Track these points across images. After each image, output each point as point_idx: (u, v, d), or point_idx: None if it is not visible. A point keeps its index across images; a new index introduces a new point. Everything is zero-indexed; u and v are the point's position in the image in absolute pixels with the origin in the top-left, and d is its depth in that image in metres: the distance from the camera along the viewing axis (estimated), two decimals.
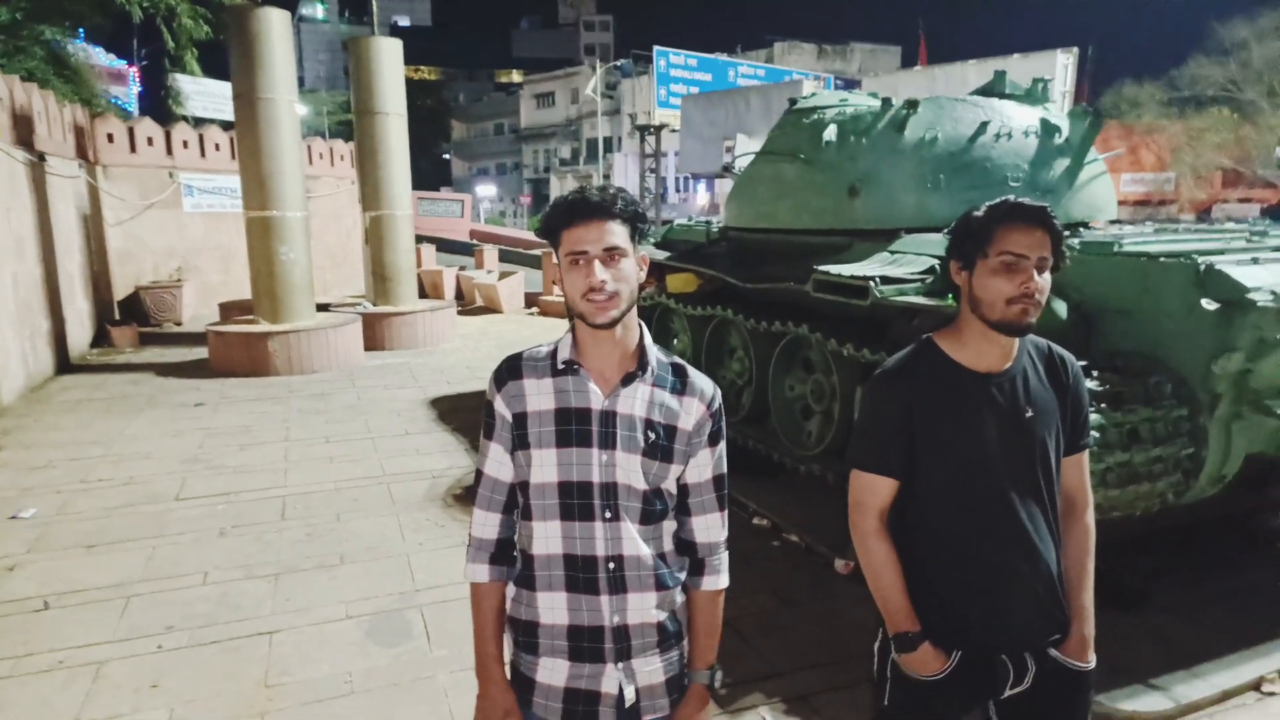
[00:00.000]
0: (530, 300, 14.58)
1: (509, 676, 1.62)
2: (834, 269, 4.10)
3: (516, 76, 68.37)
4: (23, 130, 8.87)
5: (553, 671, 1.54)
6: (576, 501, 1.50)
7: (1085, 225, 4.89)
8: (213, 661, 3.34)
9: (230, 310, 11.18)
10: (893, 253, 4.36)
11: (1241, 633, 3.41)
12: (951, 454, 1.66)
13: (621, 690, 1.53)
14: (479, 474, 1.61)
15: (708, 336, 5.61)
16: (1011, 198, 1.60)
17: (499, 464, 1.57)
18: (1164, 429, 3.10)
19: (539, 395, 1.52)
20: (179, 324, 12.58)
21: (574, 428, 1.50)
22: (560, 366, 1.53)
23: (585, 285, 1.43)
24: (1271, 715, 2.98)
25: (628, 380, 1.51)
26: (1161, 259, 3.25)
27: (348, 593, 3.93)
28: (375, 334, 10.48)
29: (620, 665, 1.53)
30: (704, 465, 1.58)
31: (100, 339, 11.00)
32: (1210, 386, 3.09)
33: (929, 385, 1.68)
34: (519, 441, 1.53)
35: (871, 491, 1.71)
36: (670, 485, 1.56)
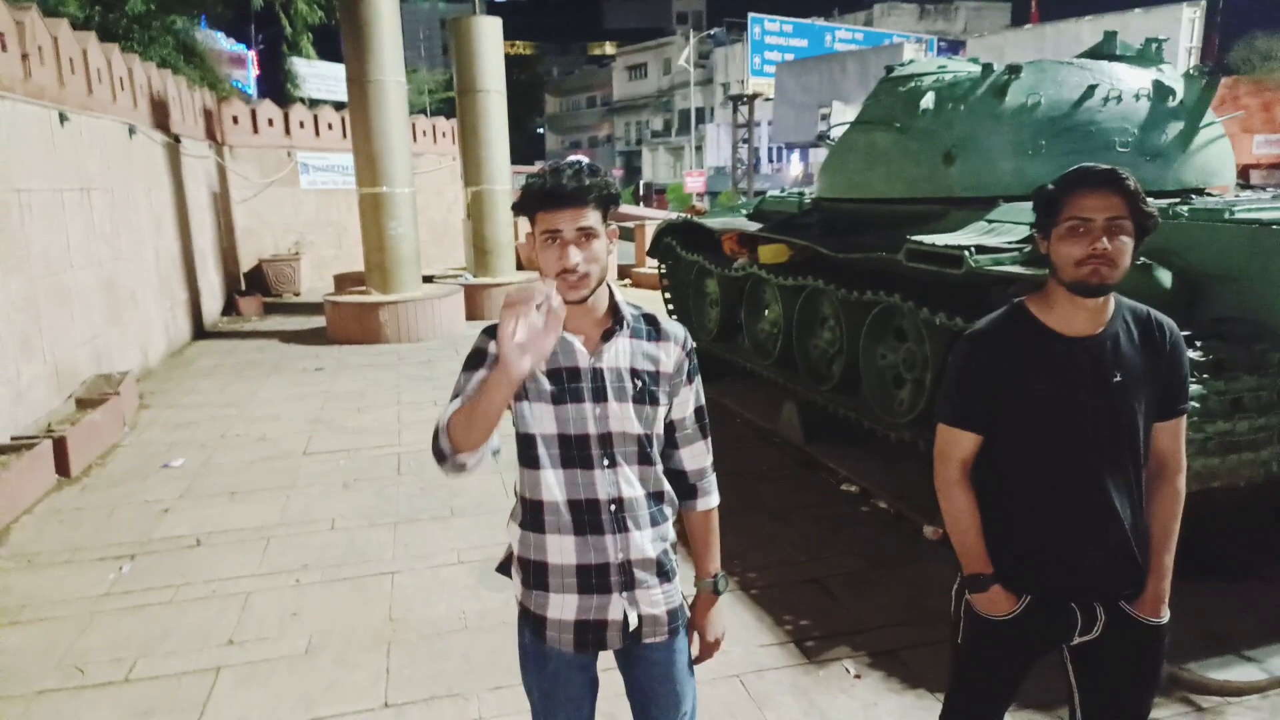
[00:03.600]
0: (623, 272, 14.81)
1: (519, 615, 1.74)
2: (928, 239, 4.11)
3: (609, 48, 68.40)
4: (159, 115, 9.60)
5: (563, 607, 1.67)
6: (576, 452, 1.63)
7: (1200, 191, 4.71)
8: (343, 597, 3.71)
9: (344, 282, 11.85)
10: (990, 221, 4.33)
11: None
12: (1034, 413, 1.73)
13: (626, 616, 1.67)
14: (454, 395, 1.60)
15: (799, 306, 5.68)
16: (1092, 164, 1.64)
17: (474, 382, 1.58)
18: (1269, 397, 3.04)
19: None
20: (297, 294, 13.40)
21: (566, 385, 1.62)
22: None
23: (559, 266, 1.54)
24: None
25: (607, 336, 1.64)
26: (1273, 226, 3.16)
27: (459, 542, 4.26)
28: (476, 304, 10.93)
29: (625, 595, 1.67)
30: (685, 401, 1.74)
31: (229, 308, 11.87)
32: None
33: (1016, 347, 1.75)
34: (518, 394, 1.60)
35: (955, 444, 1.81)
36: (659, 427, 1.70)
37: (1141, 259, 3.32)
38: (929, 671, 3.02)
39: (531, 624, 1.72)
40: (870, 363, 4.98)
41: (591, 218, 1.55)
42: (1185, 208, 3.56)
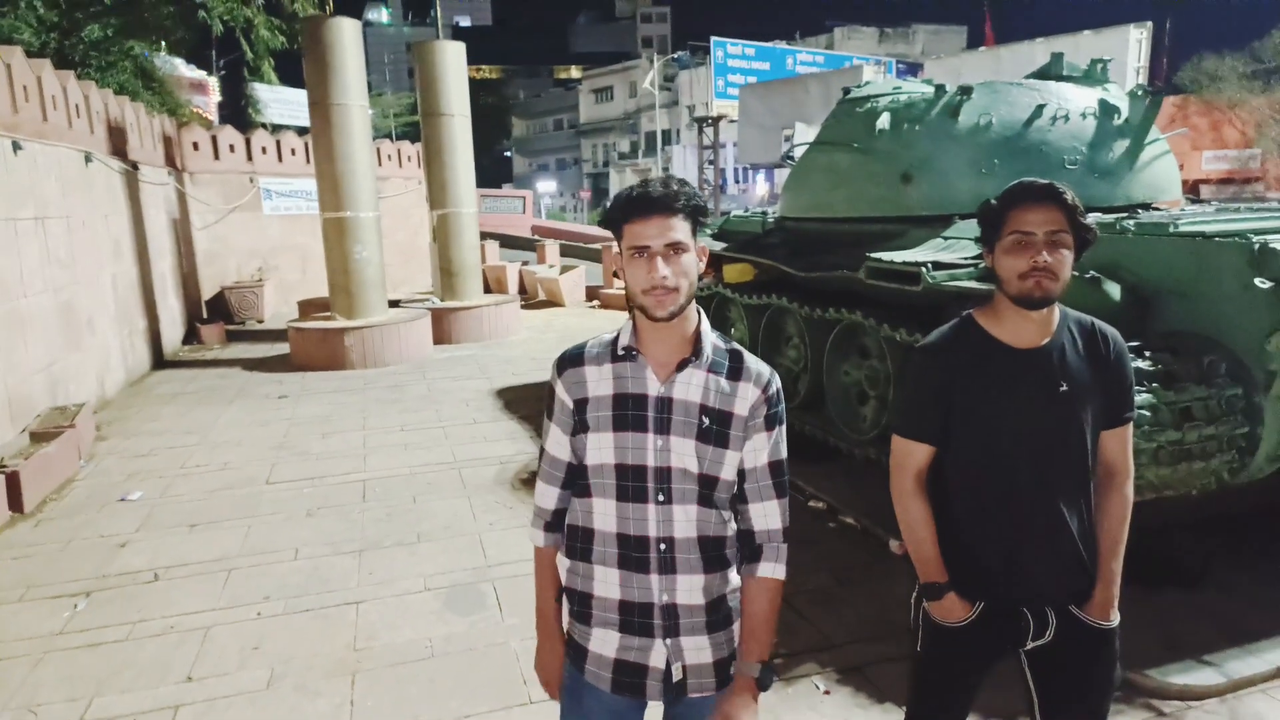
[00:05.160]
0: (591, 294, 14.84)
1: (565, 643, 1.74)
2: (887, 256, 4.19)
3: (575, 72, 68.90)
4: (117, 141, 9.47)
5: (604, 642, 1.62)
6: (631, 484, 1.56)
7: (1147, 206, 4.85)
8: (307, 627, 3.64)
9: (308, 308, 11.72)
10: (946, 238, 4.42)
11: None
12: (983, 423, 1.77)
13: (669, 665, 1.59)
14: (542, 450, 1.72)
15: (764, 325, 5.73)
16: (1034, 179, 1.70)
17: (558, 444, 1.66)
18: (1217, 407, 3.12)
19: (599, 381, 1.59)
20: (261, 321, 13.22)
21: (630, 413, 1.56)
22: (620, 353, 1.59)
23: (647, 281, 1.48)
24: None
25: (682, 366, 1.56)
26: (1216, 238, 3.26)
27: (426, 567, 4.20)
28: (443, 328, 10.87)
29: (668, 641, 1.59)
30: (759, 450, 1.59)
31: (190, 336, 11.67)
32: (1265, 365, 3.09)
33: (967, 359, 1.79)
34: (579, 426, 1.60)
35: (909, 455, 1.85)
36: (730, 473, 1.58)
37: (1091, 273, 3.40)
38: (896, 686, 3.03)
39: (573, 654, 1.69)
40: (835, 380, 5.03)
41: (680, 229, 1.49)
42: (1132, 222, 3.66)
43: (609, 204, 1.57)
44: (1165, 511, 3.36)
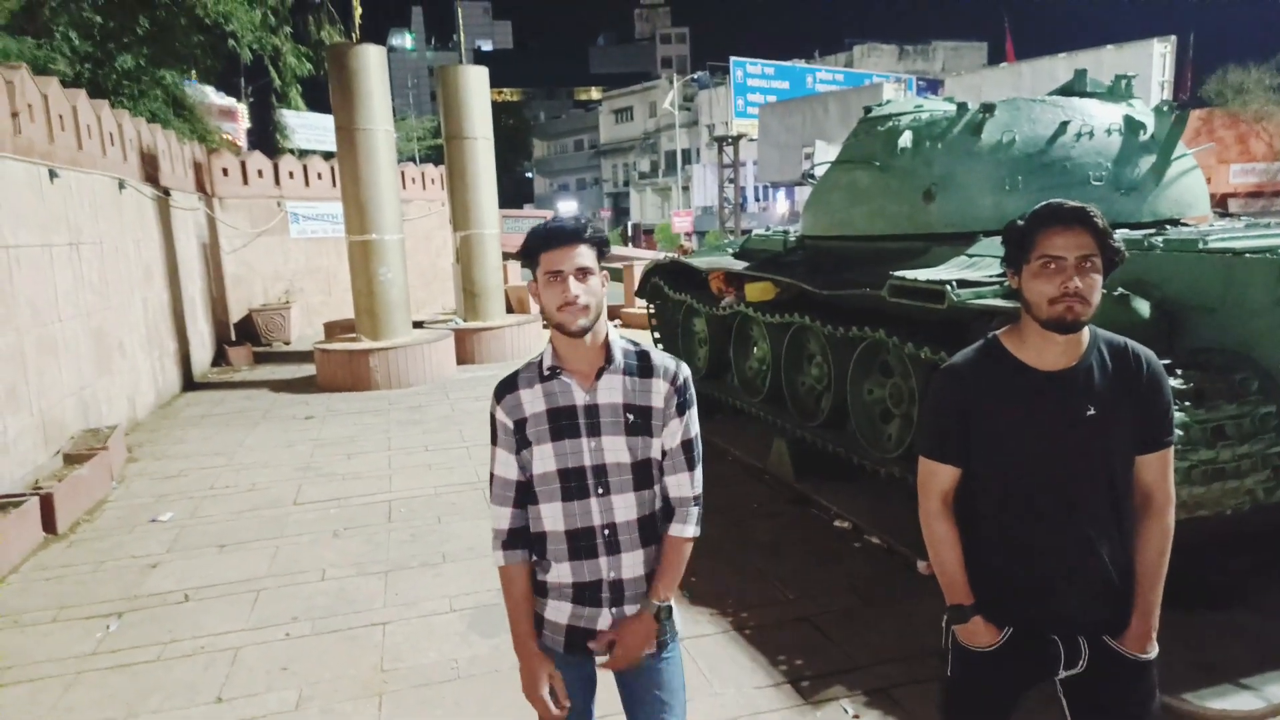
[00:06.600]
0: (613, 312, 14.89)
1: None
2: (910, 274, 4.17)
3: (595, 93, 69.63)
4: (149, 168, 9.69)
5: (558, 611, 1.84)
6: (573, 484, 1.78)
7: (1175, 222, 4.80)
8: (334, 648, 3.66)
9: (334, 329, 11.86)
10: (970, 256, 4.40)
11: None
12: (1007, 447, 1.75)
13: (614, 626, 1.83)
14: (492, 475, 1.87)
15: (786, 343, 5.72)
16: (1062, 201, 1.67)
17: (505, 465, 1.84)
18: (1250, 425, 3.07)
19: (533, 400, 1.80)
20: (288, 343, 13.40)
21: (563, 423, 1.78)
22: (546, 373, 1.81)
23: (561, 299, 1.70)
24: None
25: (600, 374, 1.78)
26: (1246, 255, 3.22)
27: (450, 588, 4.22)
28: (466, 348, 10.95)
29: (614, 609, 1.83)
30: (674, 433, 1.83)
31: (219, 358, 11.84)
32: None
33: (990, 381, 1.76)
34: (521, 443, 1.80)
35: (934, 476, 1.83)
36: (657, 454, 1.83)
37: (1119, 289, 3.37)
38: (924, 709, 3.00)
39: (536, 623, 1.88)
40: (858, 398, 5.01)
41: (587, 255, 1.72)
42: (1160, 239, 3.63)
43: (527, 236, 1.76)
44: (1198, 531, 3.30)
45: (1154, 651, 1.76)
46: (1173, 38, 16.73)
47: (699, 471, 1.88)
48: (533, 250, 1.75)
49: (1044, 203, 1.69)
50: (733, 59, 26.27)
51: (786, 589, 4.03)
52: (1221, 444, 3.04)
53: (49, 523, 5.09)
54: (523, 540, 1.86)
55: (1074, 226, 1.63)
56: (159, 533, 5.18)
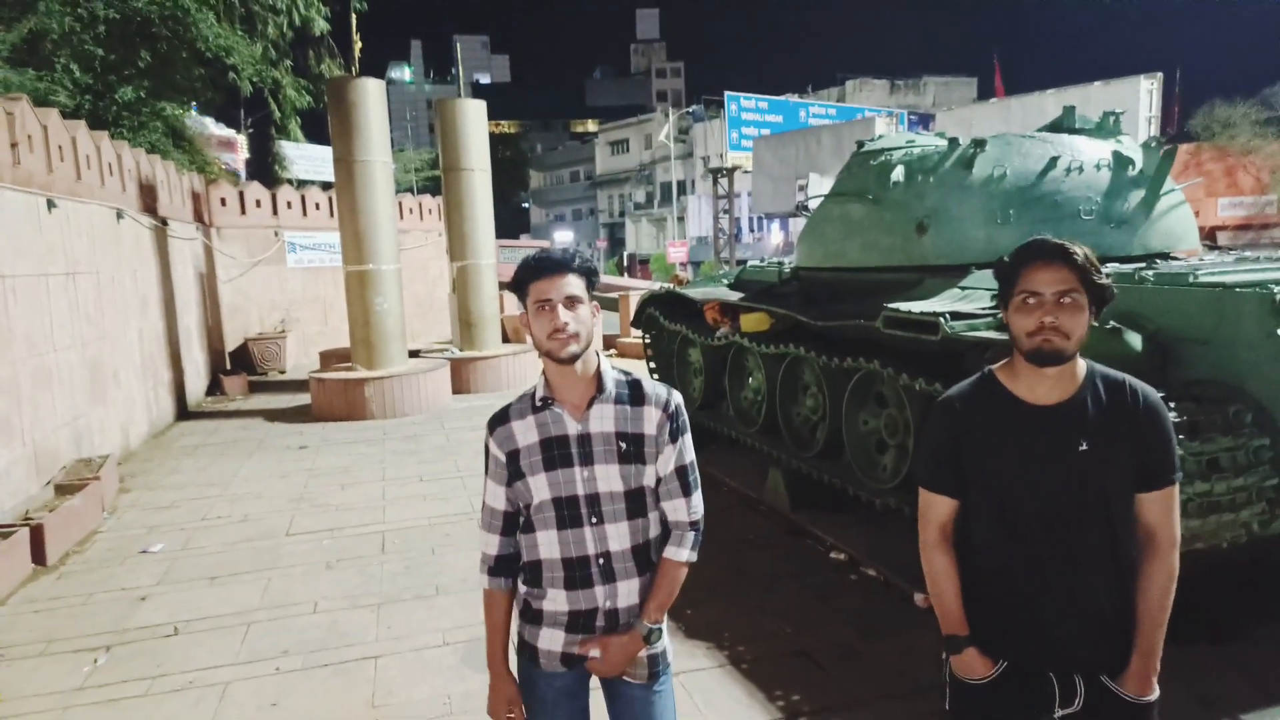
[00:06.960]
0: (608, 342, 14.91)
1: (517, 646, 1.92)
2: (904, 306, 4.20)
3: (591, 125, 70.33)
4: (147, 198, 9.73)
5: (552, 639, 1.85)
6: (567, 513, 1.79)
7: (1165, 255, 4.85)
8: (325, 683, 3.61)
9: (329, 358, 11.84)
10: (963, 288, 4.44)
11: None
12: (1000, 479, 1.75)
13: None
14: (483, 504, 1.91)
15: (781, 374, 5.73)
16: (1046, 237, 1.70)
17: (495, 496, 1.87)
18: (1245, 458, 3.08)
19: (525, 432, 1.81)
20: (283, 372, 13.37)
21: (556, 453, 1.79)
22: (538, 404, 1.82)
23: (550, 327, 1.71)
24: None
25: (591, 403, 1.79)
26: (1237, 289, 3.26)
27: (444, 621, 4.18)
28: (462, 378, 10.94)
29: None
30: (668, 460, 1.84)
31: (214, 387, 11.80)
32: None
33: (984, 414, 1.77)
34: (514, 475, 1.82)
35: (932, 507, 1.84)
36: (651, 481, 1.83)
37: (1111, 323, 3.40)
38: None
39: (528, 654, 1.89)
40: (853, 429, 5.01)
41: (576, 285, 1.74)
42: (1151, 272, 3.67)
43: (518, 267, 1.79)
44: (1195, 562, 3.30)
45: (1155, 694, 1.73)
46: (1159, 74, 16.98)
47: (697, 496, 1.89)
48: (522, 281, 1.76)
49: (1029, 240, 1.72)
50: (727, 93, 26.58)
51: (783, 622, 4.00)
52: (1216, 477, 3.05)
53: (39, 554, 5.04)
54: (508, 568, 1.89)
55: (1054, 262, 1.65)
56: (150, 564, 5.13)
